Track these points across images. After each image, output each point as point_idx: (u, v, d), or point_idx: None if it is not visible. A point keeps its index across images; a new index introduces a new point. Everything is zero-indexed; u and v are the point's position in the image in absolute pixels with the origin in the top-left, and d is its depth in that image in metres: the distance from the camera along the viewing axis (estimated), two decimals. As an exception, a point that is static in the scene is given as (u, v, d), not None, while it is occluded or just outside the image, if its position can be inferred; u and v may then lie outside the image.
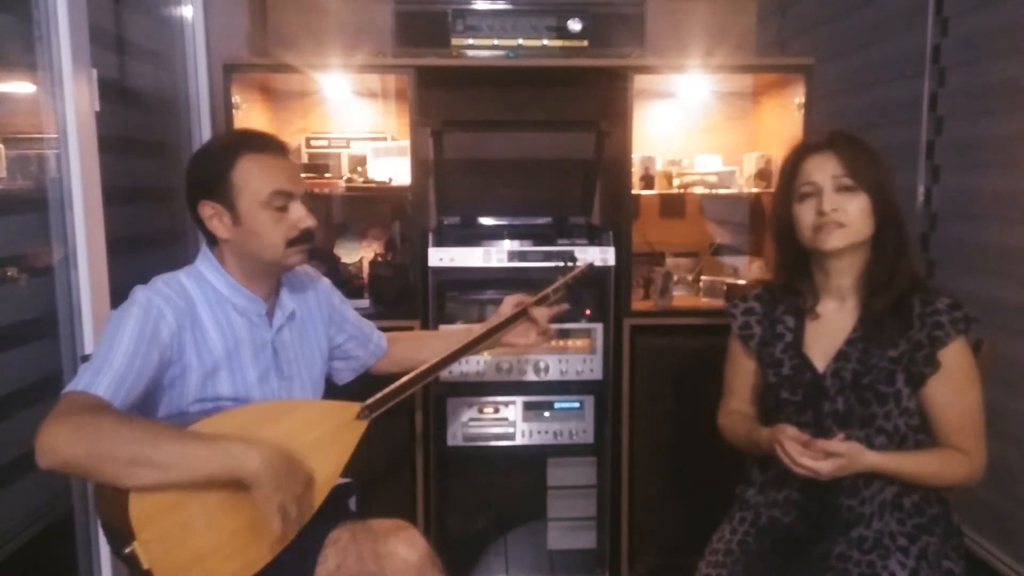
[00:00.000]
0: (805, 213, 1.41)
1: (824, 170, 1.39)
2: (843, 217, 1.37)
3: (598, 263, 2.13)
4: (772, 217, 1.51)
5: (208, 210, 1.37)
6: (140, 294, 1.33)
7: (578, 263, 1.76)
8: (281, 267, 1.45)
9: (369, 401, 1.43)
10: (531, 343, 1.67)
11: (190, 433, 1.22)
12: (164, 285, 1.36)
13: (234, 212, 1.36)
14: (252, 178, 1.36)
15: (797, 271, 1.48)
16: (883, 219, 1.38)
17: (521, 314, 1.63)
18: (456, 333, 1.74)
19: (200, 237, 1.46)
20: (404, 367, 1.61)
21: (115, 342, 1.25)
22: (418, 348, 1.73)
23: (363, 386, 1.53)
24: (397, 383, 1.46)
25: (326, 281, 1.66)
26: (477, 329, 1.64)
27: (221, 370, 1.37)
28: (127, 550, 1.19)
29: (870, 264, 1.42)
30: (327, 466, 1.37)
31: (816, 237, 1.40)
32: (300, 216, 1.39)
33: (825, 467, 1.28)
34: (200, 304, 1.38)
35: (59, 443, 1.13)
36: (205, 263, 1.42)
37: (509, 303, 1.66)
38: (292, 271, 1.52)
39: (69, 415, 1.16)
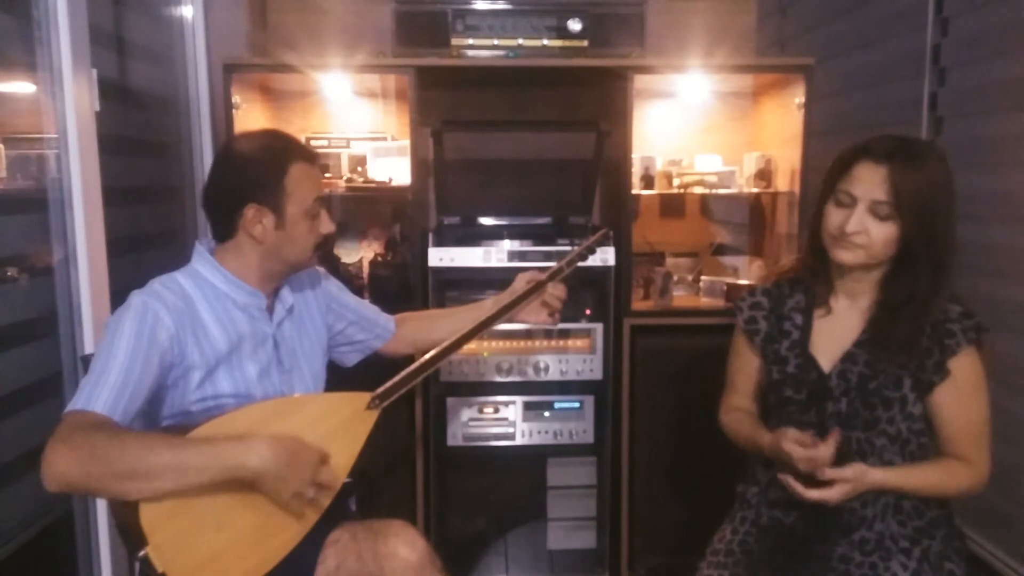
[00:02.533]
0: (832, 218, 1.37)
1: (868, 187, 1.32)
2: (862, 240, 1.33)
3: (598, 263, 2.13)
4: (815, 200, 1.46)
5: (252, 212, 1.37)
6: (136, 299, 1.32)
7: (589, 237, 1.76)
8: (300, 269, 1.50)
9: (379, 390, 1.43)
10: (541, 320, 1.69)
11: (185, 440, 1.21)
12: (161, 287, 1.36)
13: (280, 217, 1.38)
14: (301, 186, 1.39)
15: (818, 258, 1.45)
16: (915, 251, 1.33)
17: (534, 290, 1.63)
18: (467, 311, 1.73)
19: (201, 235, 1.46)
20: (418, 347, 1.64)
21: (111, 354, 1.24)
22: (430, 328, 1.74)
23: (373, 374, 1.52)
24: (407, 370, 1.46)
25: (321, 270, 1.67)
26: (488, 306, 1.64)
27: (221, 367, 1.37)
28: (141, 554, 1.20)
29: (888, 282, 1.39)
30: (339, 459, 1.37)
31: (831, 247, 1.38)
32: (326, 222, 1.45)
33: (833, 495, 1.29)
34: (199, 302, 1.38)
35: (59, 467, 1.13)
36: (201, 262, 1.42)
37: (522, 279, 1.66)
38: None
39: (66, 437, 1.16)
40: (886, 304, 1.39)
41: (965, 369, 1.35)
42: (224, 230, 1.41)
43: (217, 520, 1.24)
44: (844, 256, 1.36)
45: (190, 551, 1.23)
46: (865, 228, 1.32)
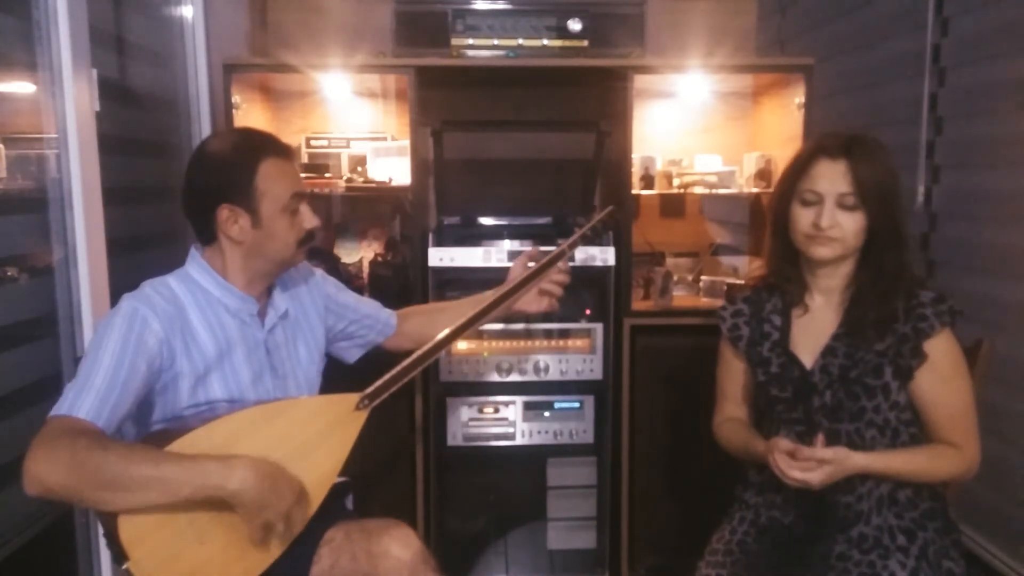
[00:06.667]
0: (802, 218, 1.41)
1: (832, 182, 1.38)
2: (837, 233, 1.38)
3: (598, 263, 2.13)
4: (771, 206, 1.51)
5: (226, 213, 1.35)
6: (125, 303, 1.31)
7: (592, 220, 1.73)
8: (288, 266, 1.47)
9: (368, 390, 1.41)
10: (542, 307, 1.66)
11: (167, 454, 1.20)
12: (152, 291, 1.35)
13: (255, 216, 1.36)
14: (274, 183, 1.36)
15: (788, 261, 1.49)
16: (879, 235, 1.39)
17: (533, 276, 1.59)
18: (468, 303, 1.69)
19: (190, 239, 1.46)
20: (419, 343, 1.55)
21: (97, 359, 1.24)
22: (431, 323, 1.69)
23: (374, 369, 1.51)
24: (396, 369, 1.44)
25: (319, 272, 1.65)
26: (489, 297, 1.60)
27: (213, 373, 1.37)
28: (124, 567, 1.20)
29: (858, 272, 1.43)
30: (326, 462, 1.36)
31: (807, 245, 1.42)
32: (308, 217, 1.42)
33: (815, 477, 1.30)
34: (190, 307, 1.37)
35: (39, 471, 1.13)
36: (194, 266, 1.42)
37: (519, 265, 1.63)
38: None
39: (48, 442, 1.15)
40: (859, 291, 1.42)
41: (942, 351, 1.37)
42: (205, 233, 1.40)
43: (199, 533, 1.24)
44: (821, 252, 1.40)
45: (171, 565, 1.23)
46: (837, 221, 1.37)
